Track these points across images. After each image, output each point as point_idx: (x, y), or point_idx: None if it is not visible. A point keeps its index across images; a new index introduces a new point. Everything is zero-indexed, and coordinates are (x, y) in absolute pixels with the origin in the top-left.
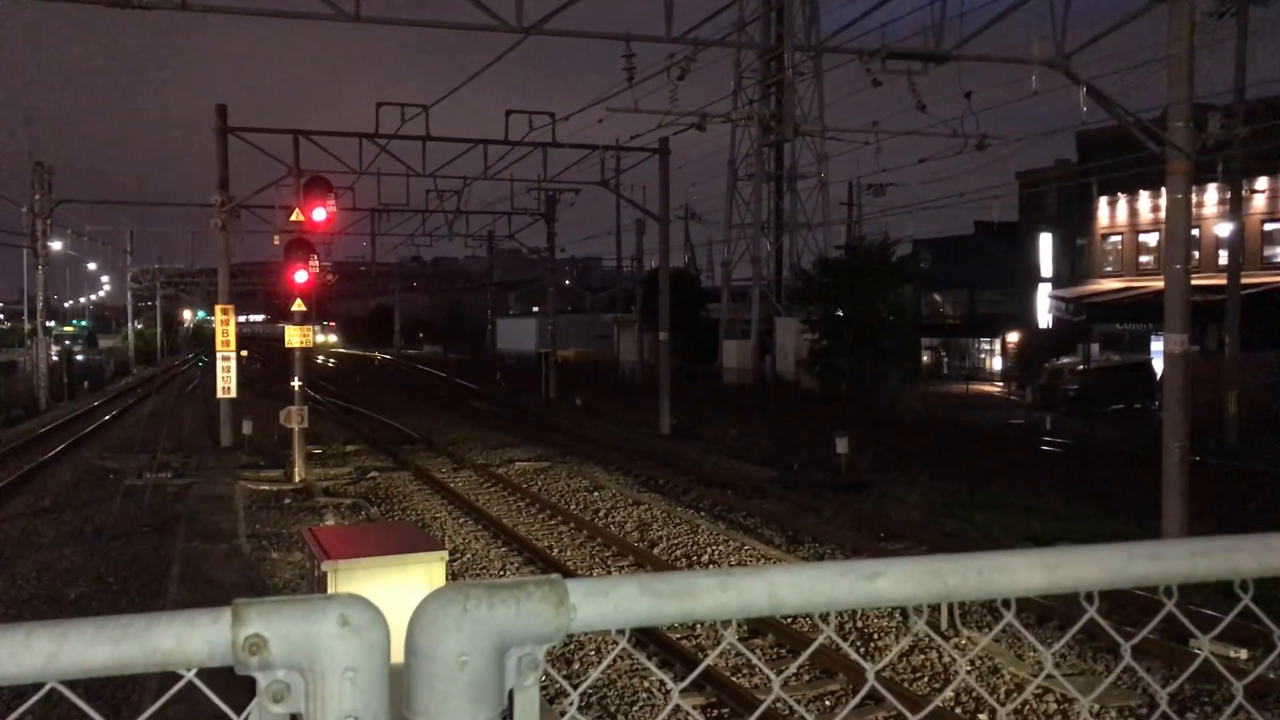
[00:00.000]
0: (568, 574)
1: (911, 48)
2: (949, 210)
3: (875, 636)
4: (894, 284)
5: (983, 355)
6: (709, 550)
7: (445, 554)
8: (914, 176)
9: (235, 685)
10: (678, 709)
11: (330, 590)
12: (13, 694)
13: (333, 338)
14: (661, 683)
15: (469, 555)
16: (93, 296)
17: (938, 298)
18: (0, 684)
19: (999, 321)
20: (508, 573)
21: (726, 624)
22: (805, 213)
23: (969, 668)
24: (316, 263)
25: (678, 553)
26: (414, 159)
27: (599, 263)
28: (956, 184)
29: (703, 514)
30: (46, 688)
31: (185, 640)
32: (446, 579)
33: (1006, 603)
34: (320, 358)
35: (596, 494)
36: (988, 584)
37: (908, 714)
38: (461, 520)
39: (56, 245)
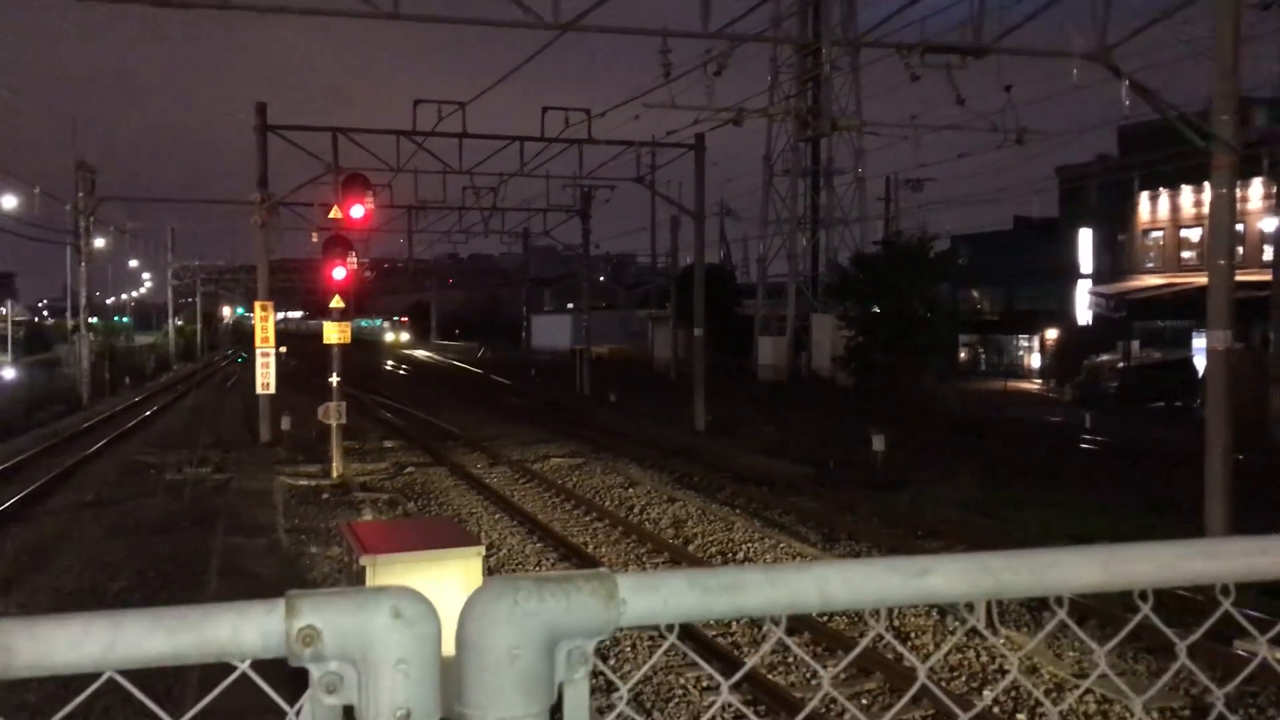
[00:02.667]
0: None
1: (950, 41)
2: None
3: (912, 635)
4: (931, 280)
5: (1021, 352)
6: (744, 548)
7: (482, 549)
8: (952, 171)
9: (277, 680)
10: (725, 706)
11: (369, 584)
12: (50, 686)
13: (405, 335)
14: (699, 679)
15: (505, 551)
16: (134, 293)
17: (976, 294)
18: (59, 673)
19: (1038, 318)
20: (544, 568)
21: (775, 620)
22: (842, 208)
23: (1007, 667)
24: (354, 259)
25: (713, 550)
26: (451, 156)
27: (634, 259)
28: (995, 179)
29: (738, 511)
30: (104, 677)
31: (240, 631)
32: (483, 574)
33: (1059, 600)
34: (389, 363)
35: (631, 490)
36: (1040, 580)
37: (959, 712)
38: (497, 516)
39: (99, 243)
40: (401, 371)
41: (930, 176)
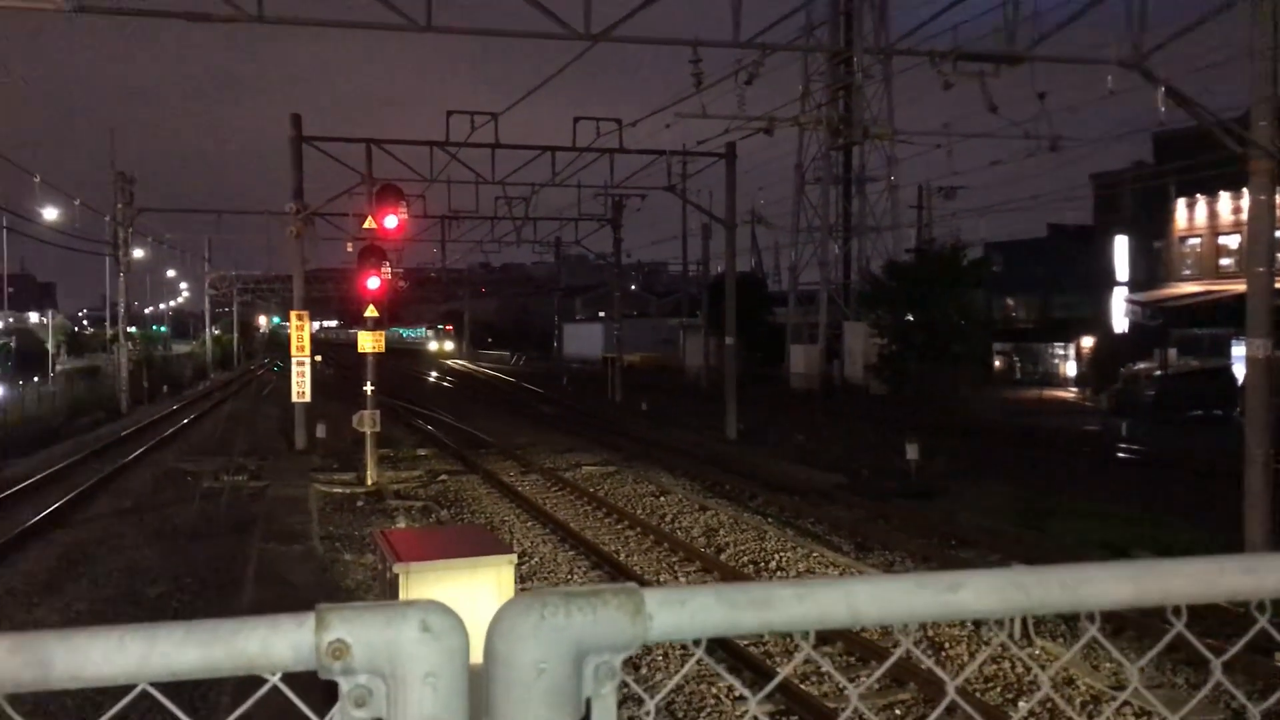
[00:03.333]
0: (636, 579)
1: (983, 49)
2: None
3: (947, 645)
4: (965, 288)
5: (1056, 361)
6: (776, 557)
7: (514, 557)
8: (986, 179)
9: (303, 691)
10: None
11: (402, 591)
12: (78, 699)
13: (450, 345)
14: (730, 689)
15: (537, 559)
16: (172, 302)
17: (1010, 302)
18: (94, 685)
19: (1073, 326)
20: (575, 576)
21: (805, 635)
22: (874, 216)
23: (1047, 680)
24: (388, 269)
25: (745, 559)
26: (483, 166)
27: (665, 267)
28: (1029, 187)
29: (770, 520)
30: (137, 689)
31: (270, 644)
32: (515, 582)
33: (1090, 615)
34: (437, 377)
35: (663, 499)
36: (1072, 597)
37: None
38: (529, 524)
39: (138, 253)
40: (436, 380)
41: (963, 184)
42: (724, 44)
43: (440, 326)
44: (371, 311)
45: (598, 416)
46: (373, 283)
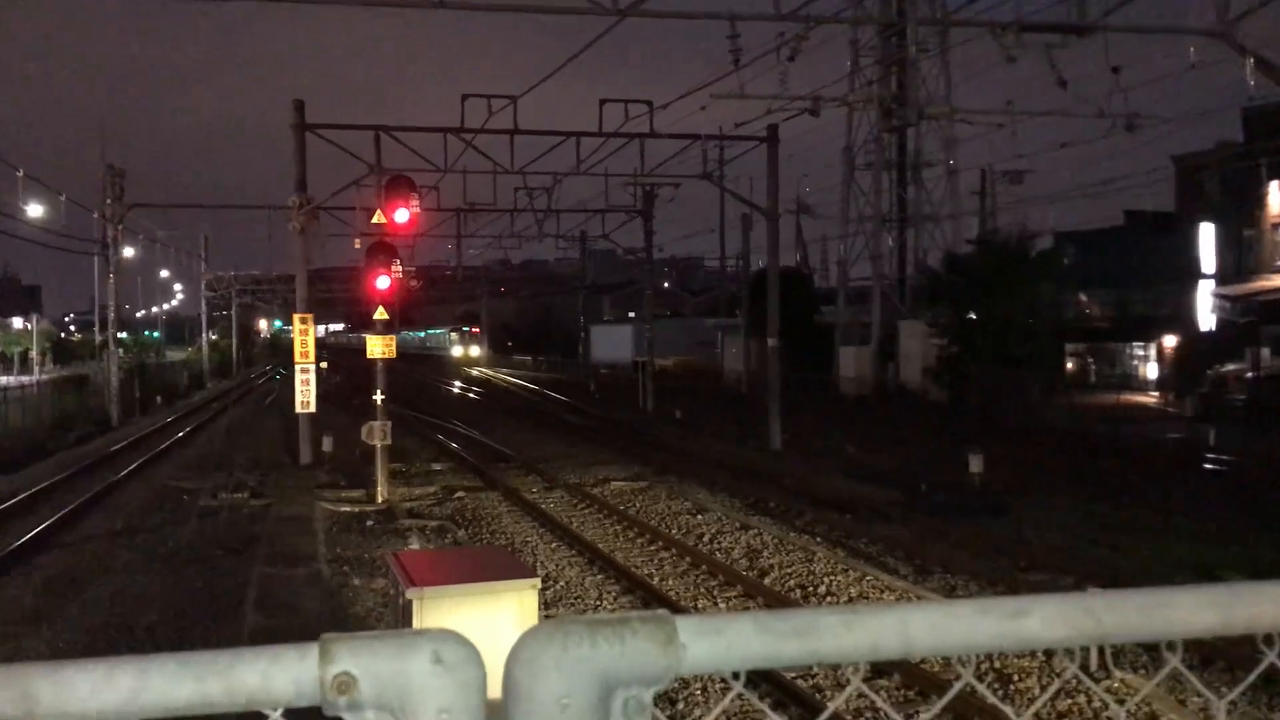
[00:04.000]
0: (670, 605)
1: (1050, 19)
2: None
3: (1015, 678)
4: (1033, 283)
5: (1135, 362)
6: (826, 581)
7: (538, 581)
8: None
9: None
10: None
11: (416, 618)
12: None
13: (475, 349)
14: None
15: (562, 583)
16: (165, 305)
17: (1083, 297)
18: None
19: (1153, 324)
20: (605, 602)
21: (854, 667)
22: (931, 204)
23: (1125, 716)
24: (399, 267)
25: (791, 583)
26: (501, 154)
27: (701, 263)
28: (1104, 170)
29: (818, 540)
30: None
31: (271, 678)
32: (539, 608)
33: (1171, 644)
34: (456, 386)
35: (700, 517)
36: (1149, 624)
37: None
38: (554, 545)
39: (128, 252)
40: (450, 389)
41: (1030, 168)
42: (764, 17)
43: (465, 329)
44: (381, 314)
45: (628, 426)
46: (382, 282)
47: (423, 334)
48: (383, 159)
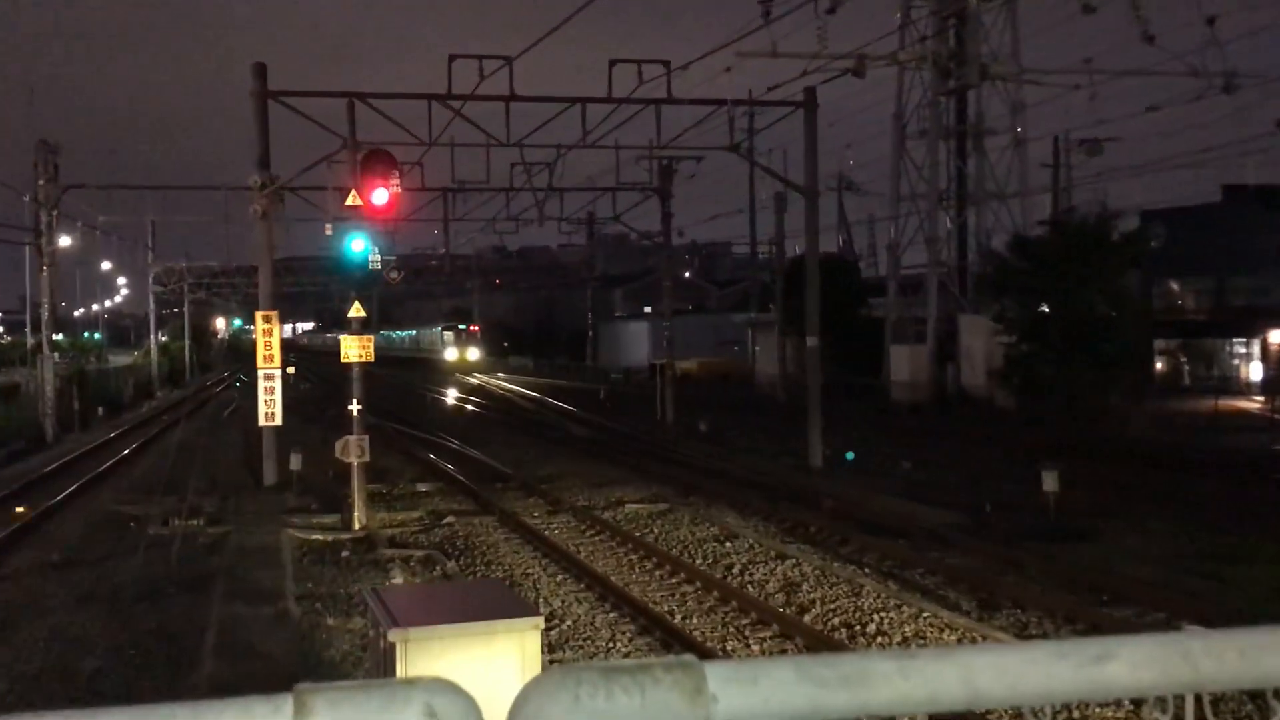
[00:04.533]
0: (694, 647)
1: None
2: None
3: None
4: (1116, 269)
5: (1236, 361)
6: (876, 618)
7: (540, 620)
8: (1140, 129)
9: None
10: None
11: (400, 664)
12: None
13: (474, 352)
14: None
15: (569, 622)
16: (108, 303)
17: (1175, 286)
18: None
19: (1259, 316)
20: (618, 645)
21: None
22: (996, 179)
23: None
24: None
25: (835, 621)
26: (495, 125)
27: (728, 249)
28: (1198, 138)
29: (867, 571)
30: None
31: None
32: (543, 651)
33: (1279, 691)
34: (447, 394)
35: (728, 545)
36: (1254, 669)
37: None
38: (560, 578)
39: (65, 241)
40: (438, 396)
41: (1111, 136)
42: None
43: (461, 326)
44: (357, 310)
45: (644, 440)
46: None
47: (408, 334)
48: (358, 131)
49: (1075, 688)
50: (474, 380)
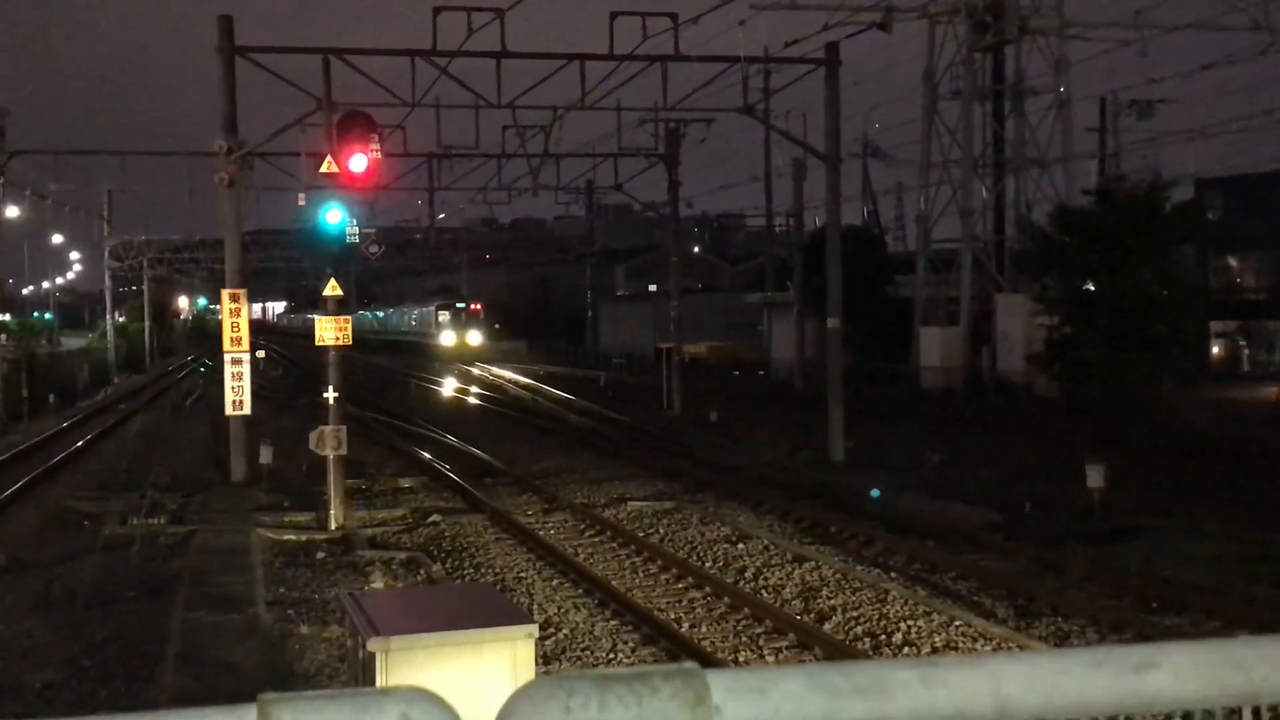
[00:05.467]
0: (702, 658)
1: None
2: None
3: None
4: (1169, 244)
5: None
6: (902, 627)
7: (534, 628)
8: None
9: None
10: None
11: (380, 676)
12: None
13: (476, 336)
14: None
15: (566, 630)
16: (60, 280)
17: (1233, 263)
18: None
19: None
20: (619, 655)
21: None
22: (1037, 144)
23: None
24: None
25: (858, 629)
26: (485, 84)
27: (741, 222)
28: (1259, 99)
29: (893, 575)
30: None
31: None
32: (536, 662)
33: None
34: (417, 376)
35: (741, 546)
36: None
37: None
38: (556, 582)
39: (11, 211)
40: (420, 383)
41: (1164, 97)
42: None
43: (460, 305)
44: (333, 288)
45: (649, 432)
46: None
47: (394, 314)
48: (334, 91)
49: (1114, 699)
50: (470, 368)
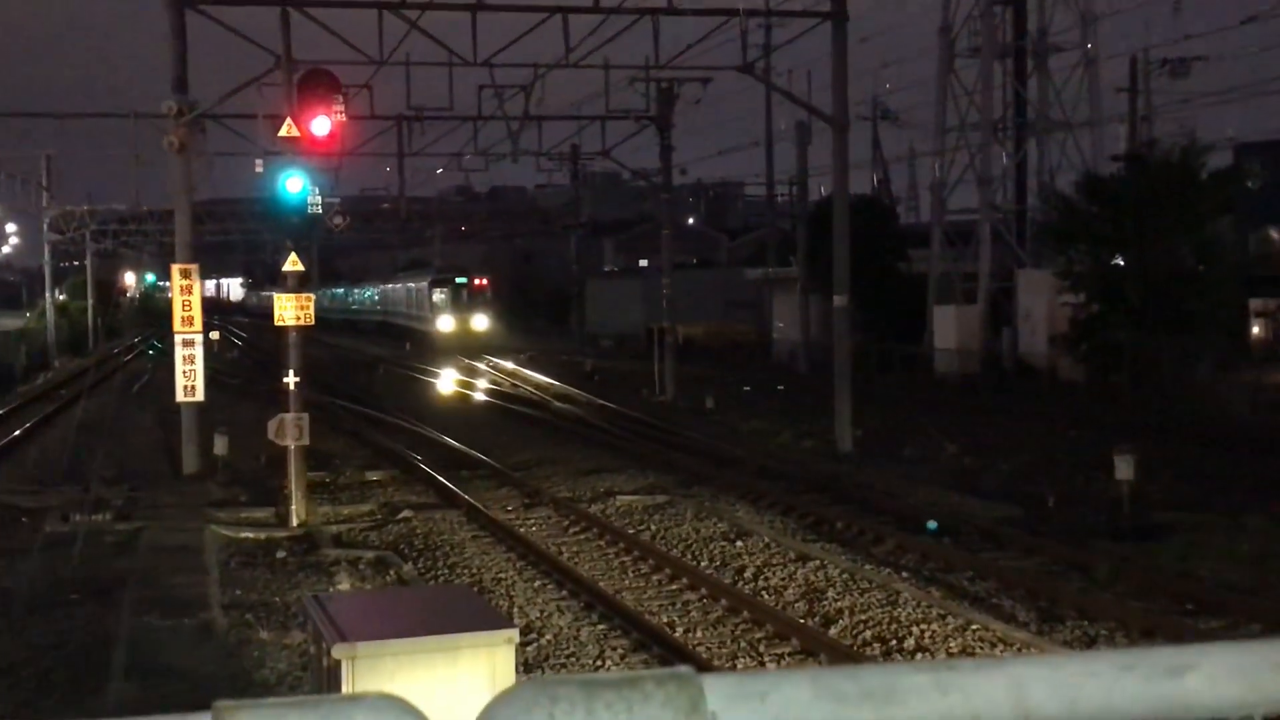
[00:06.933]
0: (701, 667)
1: None
2: None
3: None
4: (1205, 214)
5: None
6: (915, 631)
7: (514, 633)
8: (1235, 46)
9: None
10: None
11: (346, 685)
12: None
13: (482, 320)
14: None
15: (549, 635)
16: None
17: (1275, 235)
18: None
19: None
20: (607, 662)
21: None
22: (1062, 106)
23: None
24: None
25: (866, 634)
26: (460, 40)
27: (740, 191)
28: None
29: (904, 575)
30: None
31: None
32: (517, 670)
33: None
34: (408, 368)
35: (740, 544)
36: None
37: None
38: (538, 583)
39: None
40: (389, 368)
41: (1200, 54)
42: None
43: (461, 280)
44: (293, 263)
45: (639, 420)
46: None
47: (372, 293)
48: (294, 47)
49: (1145, 705)
50: (459, 356)
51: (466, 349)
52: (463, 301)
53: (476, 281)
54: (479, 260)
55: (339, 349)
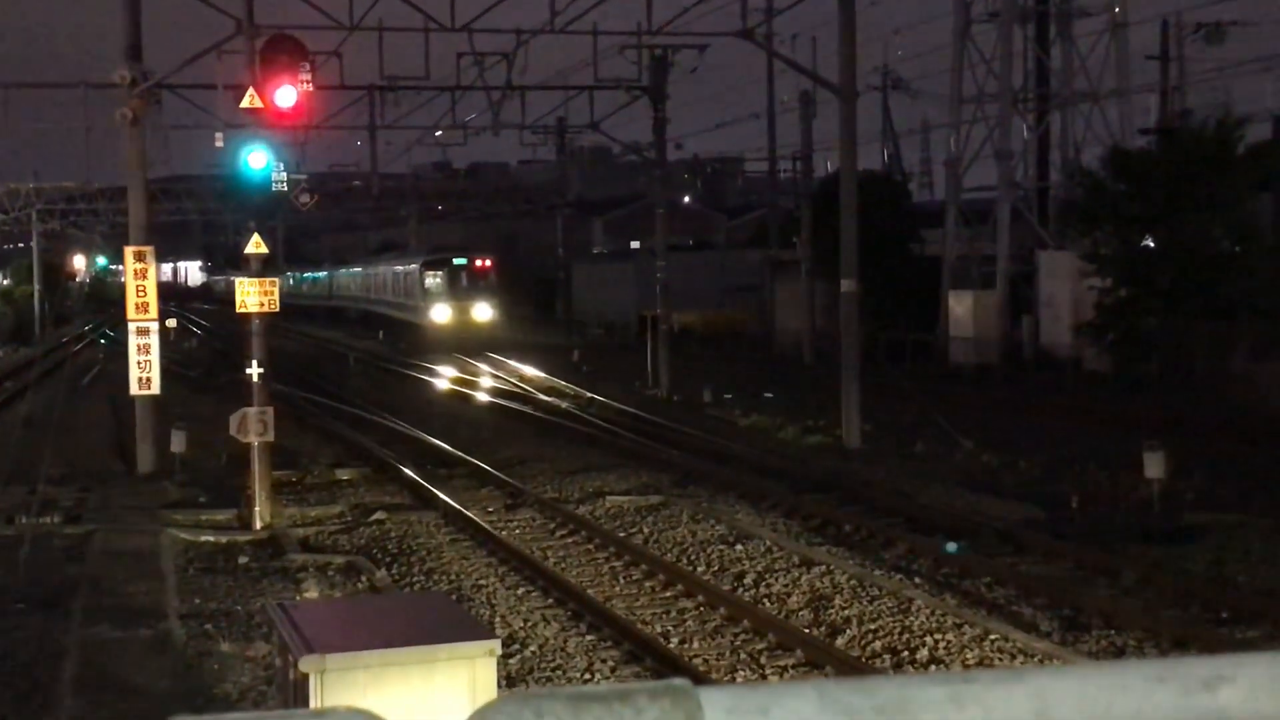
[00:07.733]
0: (698, 680)
1: None
2: None
3: None
4: (1242, 192)
5: None
6: (928, 641)
7: (496, 645)
8: (1274, 9)
9: None
10: None
11: (314, 700)
12: None
13: (485, 309)
14: None
15: (534, 647)
16: None
17: None
18: None
19: None
20: (596, 675)
21: None
22: (1088, 74)
23: None
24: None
25: (876, 644)
26: (438, 4)
27: (739, 166)
28: None
29: (917, 581)
30: None
31: None
32: (499, 684)
33: None
34: (356, 350)
35: (739, 548)
36: None
37: None
38: (522, 590)
39: None
40: (359, 358)
41: (1236, 19)
42: None
43: (460, 262)
44: (256, 245)
45: (631, 415)
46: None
47: (354, 275)
48: (257, 12)
49: (1180, 718)
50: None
51: (464, 345)
52: (462, 287)
53: (479, 263)
54: (457, 241)
55: (314, 342)
